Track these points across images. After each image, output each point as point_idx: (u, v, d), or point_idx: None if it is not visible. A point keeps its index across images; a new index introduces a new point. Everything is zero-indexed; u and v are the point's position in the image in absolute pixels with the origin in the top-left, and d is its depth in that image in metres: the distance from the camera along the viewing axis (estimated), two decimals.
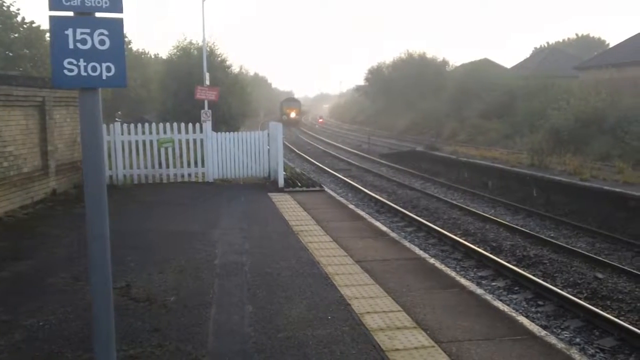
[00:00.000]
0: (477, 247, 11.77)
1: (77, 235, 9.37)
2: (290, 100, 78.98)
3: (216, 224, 10.27)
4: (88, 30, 3.27)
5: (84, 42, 3.26)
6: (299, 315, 5.74)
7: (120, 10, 3.30)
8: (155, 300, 6.16)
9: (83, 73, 3.27)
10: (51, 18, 3.23)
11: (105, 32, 3.29)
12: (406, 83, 53.70)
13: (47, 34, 28.84)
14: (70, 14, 3.26)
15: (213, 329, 5.42)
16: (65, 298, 6.24)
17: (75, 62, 3.25)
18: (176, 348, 4.98)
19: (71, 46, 3.24)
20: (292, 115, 72.48)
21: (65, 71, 3.24)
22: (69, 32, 3.24)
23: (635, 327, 7.55)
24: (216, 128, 16.30)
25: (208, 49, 23.67)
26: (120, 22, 3.33)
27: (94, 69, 3.29)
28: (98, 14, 3.28)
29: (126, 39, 38.70)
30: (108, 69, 3.31)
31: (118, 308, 5.90)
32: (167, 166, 15.03)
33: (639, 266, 10.86)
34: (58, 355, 4.81)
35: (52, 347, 4.96)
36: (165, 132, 14.82)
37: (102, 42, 3.29)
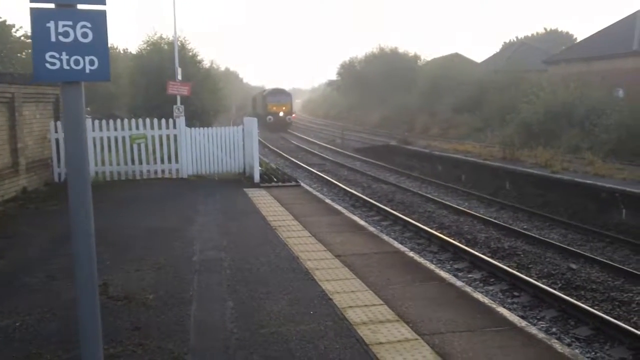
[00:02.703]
0: (453, 239, 11.89)
1: (50, 233, 9.19)
2: (277, 93, 53.67)
3: (193, 220, 10.16)
4: (70, 23, 3.17)
5: (66, 34, 3.17)
6: (281, 310, 5.71)
7: (104, 2, 3.21)
8: (134, 298, 6.07)
9: (65, 67, 3.18)
10: (32, 10, 3.13)
11: (88, 24, 3.20)
12: (378, 78, 53.94)
13: (14, 29, 28.21)
14: (52, 6, 3.17)
15: (194, 326, 5.36)
16: (41, 297, 6.11)
17: (57, 55, 3.16)
18: (157, 346, 4.91)
19: (53, 39, 3.15)
20: (281, 113, 51.34)
21: (47, 65, 3.15)
22: (51, 24, 3.14)
23: (610, 316, 7.71)
24: (189, 124, 16.12)
25: (179, 44, 23.39)
26: (103, 14, 3.24)
27: (76, 62, 3.20)
28: (80, 6, 3.19)
29: None
30: (91, 63, 3.22)
31: None
32: (141, 162, 14.80)
33: (610, 256, 11.10)
34: (37, 356, 4.70)
35: (29, 348, 4.85)
36: (137, 128, 14.60)
37: (84, 35, 3.20)
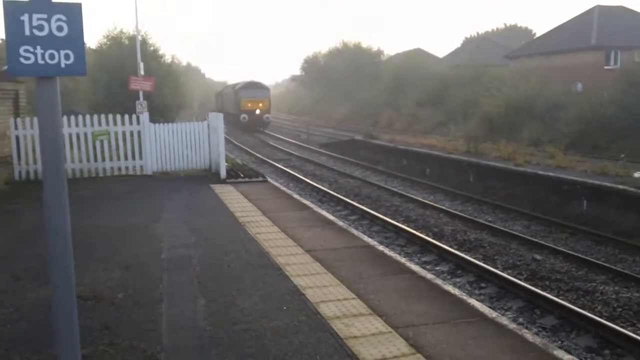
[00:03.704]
0: (420, 233, 12.01)
1: (12, 233, 8.93)
2: (253, 87, 44.94)
3: (159, 218, 10.00)
4: (45, 16, 3.07)
5: (40, 28, 3.06)
6: (254, 306, 5.67)
7: None
8: (103, 298, 5.93)
9: (40, 61, 3.08)
10: (5, 3, 3.02)
11: (64, 18, 3.10)
12: (342, 72, 54.15)
13: None
14: None
15: (166, 324, 5.27)
16: (5, 299, 5.92)
17: (32, 49, 3.06)
18: (129, 345, 4.81)
19: (27, 33, 3.04)
20: (257, 111, 43.41)
21: (22, 59, 3.05)
22: (25, 18, 3.04)
23: (574, 306, 7.91)
24: (152, 119, 15.85)
25: (140, 38, 22.96)
26: (78, 7, 3.14)
27: (51, 56, 3.10)
28: None
29: None
30: (67, 57, 3.13)
31: None
32: (103, 159, 14.49)
33: (573, 247, 11.38)
34: (4, 358, 4.56)
35: None
36: (100, 125, 14.28)
37: (60, 29, 3.10)
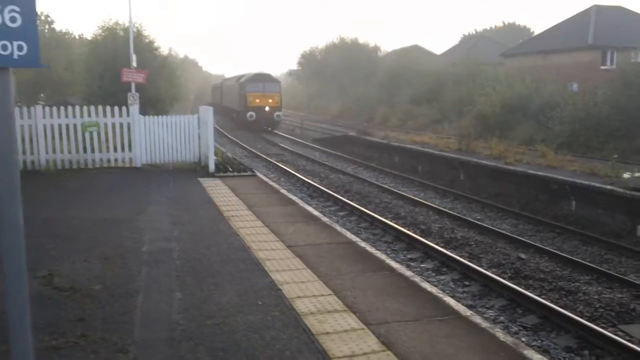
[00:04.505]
0: (407, 230, 12.00)
1: None
2: (261, 80, 37.96)
3: (144, 210, 9.98)
4: None
5: None
6: (229, 301, 5.66)
7: None
8: (80, 289, 5.93)
9: None
10: None
11: (17, 8, 3.06)
12: (339, 68, 54.05)
13: None
14: None
15: (140, 317, 5.26)
16: None
17: None
18: (101, 338, 4.81)
19: None
20: (267, 108, 36.68)
21: None
22: None
23: (556, 305, 7.91)
24: (144, 112, 15.80)
25: (135, 30, 22.86)
26: None
27: (4, 47, 3.06)
28: None
29: (49, 19, 37.03)
30: (20, 48, 3.09)
31: (40, 297, 5.67)
32: (93, 151, 14.44)
33: (559, 246, 11.39)
34: None
35: None
36: (90, 116, 14.23)
37: (13, 20, 3.06)
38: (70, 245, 7.62)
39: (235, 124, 40.28)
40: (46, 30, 35.71)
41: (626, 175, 14.25)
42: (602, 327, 7.38)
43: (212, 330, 4.97)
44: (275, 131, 37.69)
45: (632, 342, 6.93)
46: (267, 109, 36.78)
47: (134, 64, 18.31)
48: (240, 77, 42.25)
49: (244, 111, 36.95)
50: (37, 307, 5.47)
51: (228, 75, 70.62)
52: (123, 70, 17.72)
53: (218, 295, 5.82)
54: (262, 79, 38.11)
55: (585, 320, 7.50)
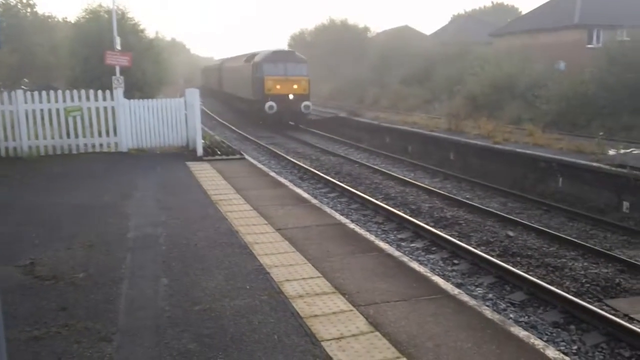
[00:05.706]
0: (398, 210, 11.97)
1: None
2: (283, 59, 28.69)
3: (130, 196, 9.85)
4: None
5: None
6: (217, 286, 5.59)
7: None
8: (63, 278, 5.83)
9: None
10: None
11: None
12: (329, 49, 53.59)
13: None
14: None
15: (125, 305, 5.18)
16: None
17: None
18: (84, 327, 4.72)
19: None
20: (291, 96, 27.82)
21: None
22: None
23: (543, 281, 7.92)
24: (130, 95, 15.57)
25: (119, 12, 22.51)
26: None
27: None
28: None
29: (30, 2, 36.36)
30: None
31: (21, 287, 5.58)
32: (77, 136, 14.22)
33: (547, 224, 11.42)
34: None
35: None
36: (72, 100, 14.00)
37: None
38: (54, 233, 7.51)
39: (244, 118, 33.21)
40: (28, 14, 35.11)
41: (612, 152, 14.26)
42: (588, 302, 7.43)
43: (198, 316, 4.90)
44: None
45: (617, 316, 6.97)
46: (291, 97, 27.84)
47: (118, 46, 18.01)
48: (251, 55, 32.29)
49: (261, 100, 28.00)
50: (18, 298, 5.40)
51: (217, 58, 68.83)
52: (106, 53, 17.43)
53: (205, 281, 5.74)
54: (283, 58, 28.84)
55: (572, 295, 7.53)
